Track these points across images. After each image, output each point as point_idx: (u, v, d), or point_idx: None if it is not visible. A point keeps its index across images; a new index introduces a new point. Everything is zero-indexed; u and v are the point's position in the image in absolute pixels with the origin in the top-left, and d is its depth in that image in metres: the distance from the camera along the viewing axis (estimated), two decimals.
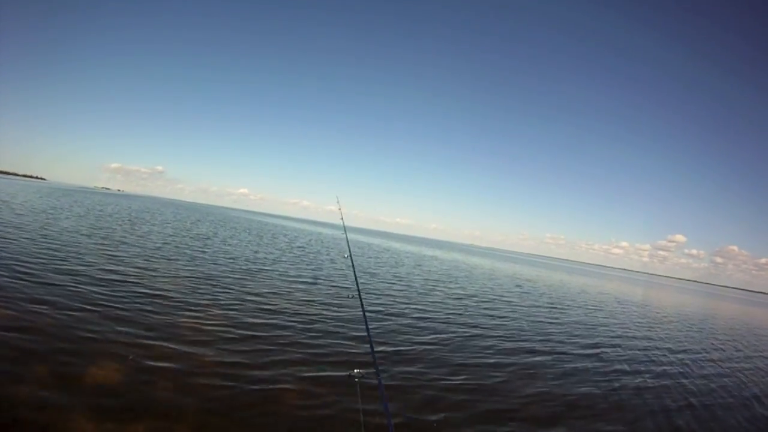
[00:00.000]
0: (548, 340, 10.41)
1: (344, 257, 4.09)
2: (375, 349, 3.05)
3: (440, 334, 9.31)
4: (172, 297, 8.89)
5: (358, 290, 2.87)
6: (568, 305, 18.90)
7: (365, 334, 3.75)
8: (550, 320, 13.60)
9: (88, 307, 7.25)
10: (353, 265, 3.43)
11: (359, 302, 3.75)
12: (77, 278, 9.10)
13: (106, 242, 15.13)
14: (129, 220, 27.34)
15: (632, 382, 8.15)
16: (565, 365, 8.54)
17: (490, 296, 17.27)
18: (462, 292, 17.03)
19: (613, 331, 13.56)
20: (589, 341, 11.24)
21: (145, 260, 12.73)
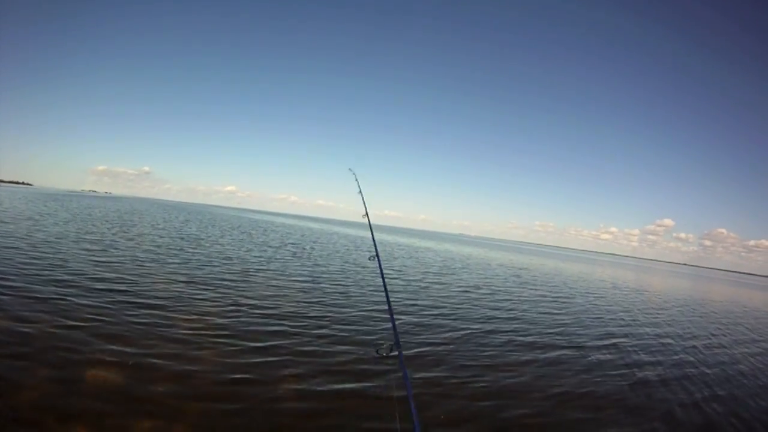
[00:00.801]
0: (559, 333, 10.15)
1: (369, 259, 4.51)
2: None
3: (450, 331, 8.99)
4: (166, 299, 8.68)
5: (387, 299, 3.03)
6: (569, 294, 18.69)
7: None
8: (557, 311, 13.35)
9: (82, 314, 7.00)
10: (380, 267, 3.72)
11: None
12: (68, 286, 8.75)
13: (95, 247, 14.56)
14: (119, 223, 26.65)
15: (652, 372, 7.94)
16: (582, 359, 8.29)
17: (492, 287, 16.98)
18: (463, 285, 16.75)
19: (620, 320, 13.37)
20: (599, 331, 11.01)
21: (136, 264, 12.32)
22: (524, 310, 12.57)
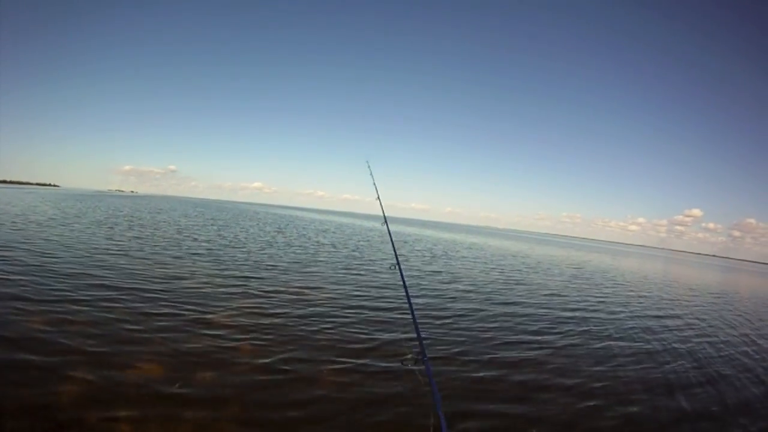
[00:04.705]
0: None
1: (390, 268, 4.41)
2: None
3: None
4: (205, 295, 8.72)
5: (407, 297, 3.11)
6: (659, 304, 16.32)
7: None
8: (666, 332, 10.87)
9: (119, 314, 6.93)
10: (401, 274, 3.81)
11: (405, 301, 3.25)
12: (104, 287, 8.51)
13: (127, 248, 13.19)
14: (151, 223, 25.25)
15: None
16: None
17: (574, 295, 14.57)
18: (544, 291, 14.53)
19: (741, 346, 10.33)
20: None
21: (170, 263, 11.98)
22: (645, 338, 10.38)
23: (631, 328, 10.05)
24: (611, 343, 8.52)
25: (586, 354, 7.58)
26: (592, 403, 5.56)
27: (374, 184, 5.80)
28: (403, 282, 3.93)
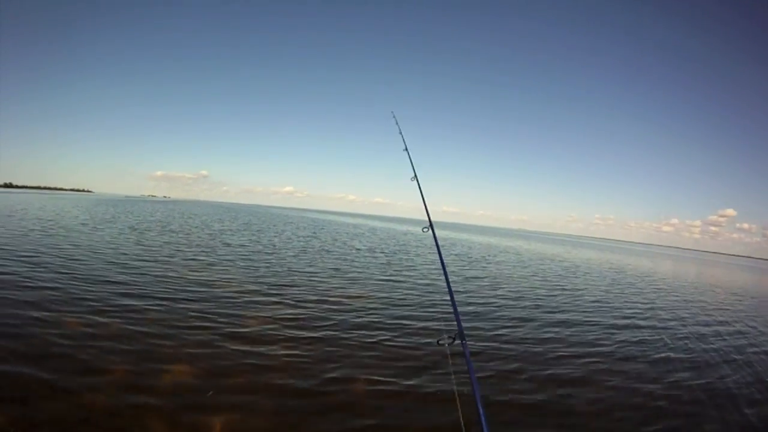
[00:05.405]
0: None
1: (423, 230, 4.24)
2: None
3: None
4: (239, 304, 8.42)
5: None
6: (709, 310, 15.31)
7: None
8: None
9: (153, 318, 7.04)
10: (437, 243, 3.94)
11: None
12: (136, 293, 8.46)
13: (161, 253, 13.15)
14: (183, 228, 25.40)
15: None
16: None
17: (620, 301, 14.03)
18: (589, 297, 13.96)
19: None
20: None
21: (202, 269, 11.84)
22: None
23: (685, 337, 9.47)
24: (669, 354, 7.96)
25: (646, 367, 7.07)
26: (661, 425, 5.11)
27: (407, 150, 5.49)
28: (439, 252, 3.90)
